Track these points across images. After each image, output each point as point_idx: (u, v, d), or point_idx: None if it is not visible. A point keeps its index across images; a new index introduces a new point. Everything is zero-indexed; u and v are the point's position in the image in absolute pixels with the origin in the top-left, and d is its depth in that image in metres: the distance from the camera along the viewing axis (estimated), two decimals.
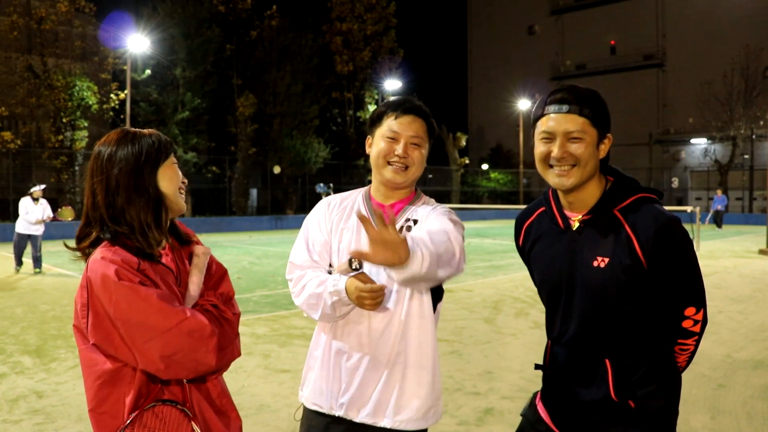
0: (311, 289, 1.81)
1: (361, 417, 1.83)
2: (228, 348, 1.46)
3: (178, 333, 1.36)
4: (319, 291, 1.78)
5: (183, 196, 1.60)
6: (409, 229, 1.88)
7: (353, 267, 1.71)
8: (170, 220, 1.61)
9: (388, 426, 1.81)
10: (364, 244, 1.76)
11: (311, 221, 1.98)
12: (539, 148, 1.66)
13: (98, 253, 1.44)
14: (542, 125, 1.64)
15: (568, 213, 1.70)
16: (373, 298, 1.68)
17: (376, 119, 1.93)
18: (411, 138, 1.87)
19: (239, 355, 1.53)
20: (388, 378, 1.83)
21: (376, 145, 1.91)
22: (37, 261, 11.25)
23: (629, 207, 1.62)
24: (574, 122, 1.59)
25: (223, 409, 1.57)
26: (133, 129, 1.58)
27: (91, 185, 1.51)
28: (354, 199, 1.99)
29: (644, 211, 1.59)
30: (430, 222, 1.85)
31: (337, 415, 1.86)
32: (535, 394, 1.87)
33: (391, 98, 1.98)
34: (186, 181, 1.62)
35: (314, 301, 1.80)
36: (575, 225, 1.67)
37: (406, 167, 1.87)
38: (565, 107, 1.60)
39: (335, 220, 1.94)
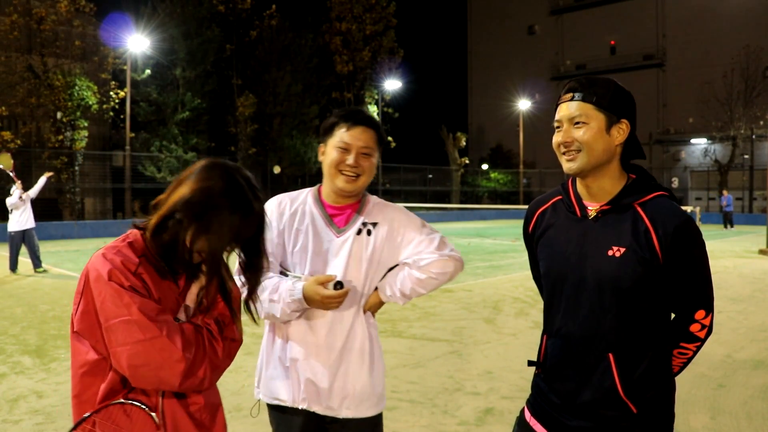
0: (265, 296, 1.90)
1: (322, 409, 1.95)
2: (197, 376, 1.44)
3: (150, 347, 1.37)
4: (275, 298, 1.89)
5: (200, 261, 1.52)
6: (369, 233, 2.00)
7: (336, 288, 1.87)
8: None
9: (350, 416, 1.96)
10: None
11: None
12: (554, 137, 1.69)
13: (105, 247, 1.47)
14: (556, 115, 1.68)
15: (586, 203, 1.69)
16: (340, 303, 1.87)
17: (329, 129, 2.01)
18: (361, 148, 1.96)
19: (207, 386, 1.50)
20: (345, 370, 1.96)
21: (328, 154, 1.99)
22: (37, 259, 11.09)
23: (650, 202, 1.61)
24: (578, 107, 1.62)
25: (204, 423, 1.55)
26: (243, 182, 1.47)
27: (175, 186, 1.48)
28: (304, 200, 2.06)
29: (664, 207, 1.60)
30: (400, 240, 2.02)
31: (300, 408, 1.96)
32: (522, 411, 1.82)
33: (344, 109, 2.05)
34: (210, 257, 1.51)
35: (267, 306, 1.91)
36: (592, 214, 1.66)
37: (357, 176, 1.96)
38: (571, 95, 1.64)
39: (287, 221, 2.01)
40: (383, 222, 2.02)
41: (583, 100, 1.61)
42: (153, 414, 1.45)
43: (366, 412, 1.97)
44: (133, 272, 1.43)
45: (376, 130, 2.01)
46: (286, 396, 1.97)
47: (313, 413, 1.96)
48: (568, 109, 1.63)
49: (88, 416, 1.43)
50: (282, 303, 1.88)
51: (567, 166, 1.65)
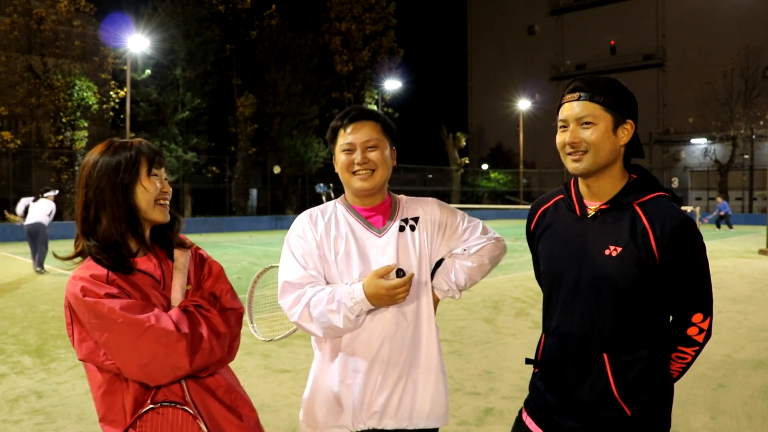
0: (321, 308, 1.76)
1: (396, 423, 1.84)
2: (205, 348, 1.46)
3: (146, 341, 1.38)
4: (333, 308, 1.74)
5: (164, 206, 1.59)
6: (413, 228, 1.93)
7: (399, 276, 1.76)
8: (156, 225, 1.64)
9: (422, 426, 1.86)
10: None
11: (295, 236, 1.93)
12: (558, 137, 1.68)
13: (72, 273, 1.50)
14: (559, 115, 1.68)
15: (587, 202, 1.69)
16: (407, 291, 1.74)
17: (332, 137, 1.96)
18: (365, 143, 1.89)
19: (221, 356, 1.52)
20: (414, 380, 1.86)
21: (337, 161, 1.94)
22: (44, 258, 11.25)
23: (649, 202, 1.61)
24: (585, 108, 1.61)
25: (232, 404, 1.57)
26: (118, 140, 1.58)
27: (77, 198, 1.56)
28: (335, 209, 1.97)
29: (663, 207, 1.59)
30: (442, 232, 1.98)
31: (366, 428, 1.85)
32: (520, 412, 1.82)
33: (341, 111, 1.99)
34: (168, 191, 1.60)
35: (325, 318, 1.76)
36: (592, 213, 1.66)
37: (371, 171, 1.89)
38: (577, 95, 1.63)
39: (323, 231, 1.91)
40: (424, 216, 1.96)
41: (590, 100, 1.60)
42: (186, 408, 1.47)
43: (437, 422, 1.89)
44: (105, 282, 1.45)
45: (376, 119, 1.93)
46: (348, 420, 1.84)
47: (380, 430, 1.85)
48: (574, 108, 1.62)
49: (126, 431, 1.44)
50: (343, 310, 1.73)
51: (573, 166, 1.64)
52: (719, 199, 26.32)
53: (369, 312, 1.80)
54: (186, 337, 1.42)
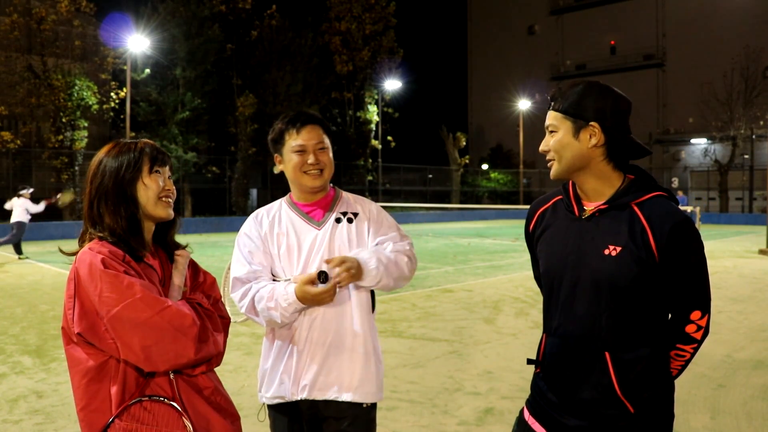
0: (263, 305, 1.99)
1: (323, 395, 2.04)
2: (209, 341, 1.49)
3: (160, 321, 1.39)
4: (272, 305, 1.97)
5: (167, 204, 1.63)
6: (350, 221, 2.12)
7: (321, 281, 1.92)
8: (167, 229, 1.69)
9: (349, 399, 2.04)
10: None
11: (243, 235, 2.15)
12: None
13: (87, 245, 1.52)
14: None
15: (585, 203, 1.72)
16: (332, 294, 1.94)
17: (279, 138, 2.13)
18: (316, 145, 2.09)
19: (220, 350, 1.56)
20: (341, 359, 2.05)
21: (288, 161, 2.11)
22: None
23: (647, 202, 1.62)
24: (549, 117, 1.69)
25: (218, 406, 1.59)
26: (126, 141, 1.63)
27: (84, 195, 1.61)
28: (279, 207, 2.19)
29: (661, 206, 1.60)
30: (377, 228, 2.15)
31: (300, 398, 2.05)
32: (521, 411, 1.83)
33: (285, 115, 2.17)
34: (172, 189, 1.65)
35: (266, 314, 1.99)
36: (589, 213, 1.68)
37: (321, 171, 2.10)
38: (552, 104, 1.70)
39: (267, 229, 2.12)
40: (363, 212, 2.16)
41: (554, 108, 1.68)
42: (174, 403, 1.47)
43: (364, 398, 2.05)
44: (122, 260, 1.48)
45: (322, 124, 2.13)
46: (285, 392, 2.05)
47: (311, 402, 2.05)
48: (547, 118, 1.71)
49: (112, 422, 1.43)
50: (280, 309, 1.96)
51: (550, 173, 1.72)
52: (680, 193, 25.63)
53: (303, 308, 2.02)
54: (197, 326, 1.45)
